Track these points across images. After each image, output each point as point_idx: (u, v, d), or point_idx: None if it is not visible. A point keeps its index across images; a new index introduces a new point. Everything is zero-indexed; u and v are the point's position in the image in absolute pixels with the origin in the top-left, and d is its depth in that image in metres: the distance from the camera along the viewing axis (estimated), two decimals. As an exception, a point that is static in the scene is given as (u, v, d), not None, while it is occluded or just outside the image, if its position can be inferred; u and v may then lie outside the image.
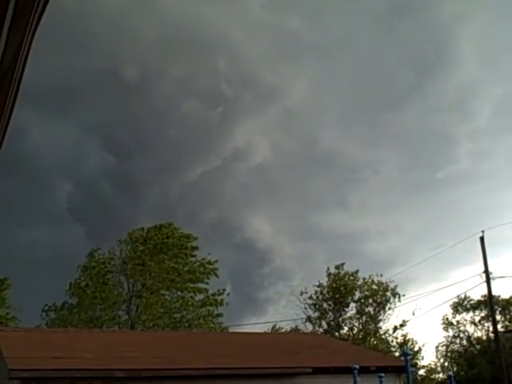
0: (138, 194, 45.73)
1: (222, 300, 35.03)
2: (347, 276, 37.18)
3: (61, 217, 43.72)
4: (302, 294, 37.85)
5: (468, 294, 39.76)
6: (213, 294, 34.98)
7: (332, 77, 40.96)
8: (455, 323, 41.01)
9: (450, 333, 41.31)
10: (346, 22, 35.55)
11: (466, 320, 40.67)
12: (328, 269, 37.65)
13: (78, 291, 33.63)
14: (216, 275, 35.37)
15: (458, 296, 39.32)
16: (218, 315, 35.01)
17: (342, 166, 46.77)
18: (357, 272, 37.22)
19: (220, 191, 47.51)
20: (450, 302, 40.19)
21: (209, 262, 35.38)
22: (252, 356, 17.56)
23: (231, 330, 34.71)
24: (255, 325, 52.40)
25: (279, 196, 47.99)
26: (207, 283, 35.38)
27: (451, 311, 40.98)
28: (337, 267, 37.48)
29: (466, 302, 40.34)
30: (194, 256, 35.62)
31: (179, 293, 34.72)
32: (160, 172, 45.98)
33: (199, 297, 35.06)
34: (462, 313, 40.80)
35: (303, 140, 46.58)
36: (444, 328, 41.35)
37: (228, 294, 35.73)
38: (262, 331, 35.92)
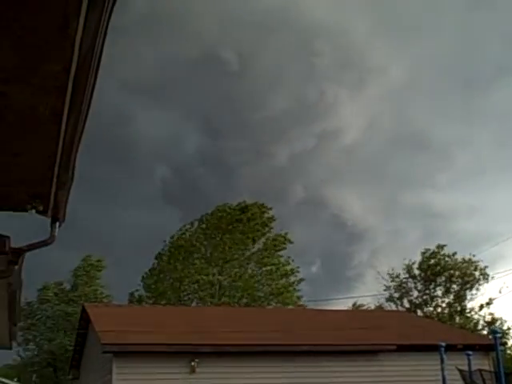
0: (230, 175, 46.90)
1: (293, 270, 35.57)
2: (445, 257, 36.36)
3: (158, 200, 46.38)
4: (389, 273, 37.26)
5: None
6: (287, 264, 35.44)
7: (425, 56, 40.00)
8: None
9: None
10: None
11: None
12: (425, 249, 36.83)
13: (162, 263, 35.74)
14: (290, 241, 35.81)
15: None
16: (301, 280, 35.79)
17: (433, 144, 45.61)
18: (454, 254, 36.31)
19: (311, 169, 47.83)
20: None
21: (280, 235, 35.79)
22: (335, 333, 17.52)
23: (317, 306, 34.96)
24: (344, 301, 52.48)
25: (370, 174, 47.66)
26: (281, 256, 35.91)
27: None
28: (438, 247, 36.66)
29: None
30: (270, 227, 35.99)
31: (263, 268, 35.32)
32: (253, 152, 47.03)
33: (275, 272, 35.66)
34: None
35: (395, 119, 46.54)
36: None
37: (298, 267, 36.13)
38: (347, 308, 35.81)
